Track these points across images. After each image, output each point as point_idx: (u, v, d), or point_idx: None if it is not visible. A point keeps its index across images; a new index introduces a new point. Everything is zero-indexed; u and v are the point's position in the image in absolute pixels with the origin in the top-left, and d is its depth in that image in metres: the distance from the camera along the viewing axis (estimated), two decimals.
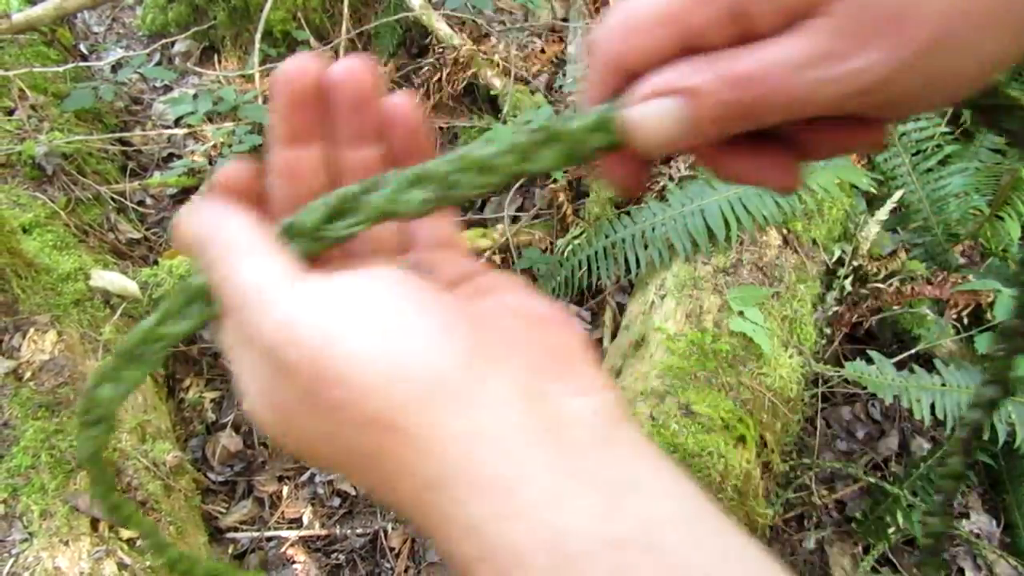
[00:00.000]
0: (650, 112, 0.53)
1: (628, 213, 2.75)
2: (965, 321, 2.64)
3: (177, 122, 3.54)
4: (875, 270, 2.72)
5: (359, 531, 2.64)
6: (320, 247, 0.60)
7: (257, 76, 3.58)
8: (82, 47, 4.05)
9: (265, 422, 0.54)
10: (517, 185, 3.25)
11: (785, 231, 2.61)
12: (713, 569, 0.45)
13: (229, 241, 0.55)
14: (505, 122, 3.34)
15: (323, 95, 0.63)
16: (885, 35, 0.47)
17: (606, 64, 0.56)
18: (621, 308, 2.98)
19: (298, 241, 0.59)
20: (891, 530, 2.54)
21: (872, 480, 2.58)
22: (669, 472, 0.50)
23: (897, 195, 2.72)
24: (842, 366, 2.47)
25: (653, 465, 0.50)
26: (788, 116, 0.52)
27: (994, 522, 2.67)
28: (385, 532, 2.63)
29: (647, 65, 0.54)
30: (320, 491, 2.75)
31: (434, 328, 0.50)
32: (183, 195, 3.43)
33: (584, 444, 0.49)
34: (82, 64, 3.77)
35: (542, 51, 3.98)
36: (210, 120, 3.41)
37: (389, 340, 0.49)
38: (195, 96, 3.40)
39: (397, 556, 2.60)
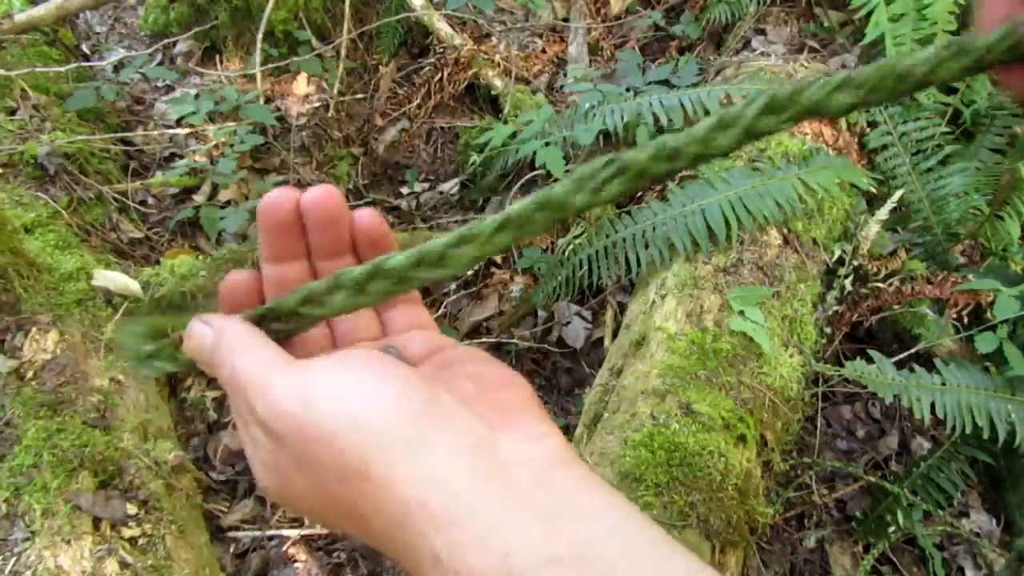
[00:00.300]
0: None
1: (629, 213, 2.76)
2: (965, 320, 2.64)
3: (179, 122, 3.54)
4: (875, 270, 2.72)
5: None
6: (292, 328, 0.74)
7: (259, 76, 3.59)
8: (84, 47, 4.06)
9: (268, 486, 0.67)
10: (519, 185, 3.25)
11: (785, 231, 2.61)
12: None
13: (232, 343, 0.69)
14: (506, 122, 3.34)
15: (300, 220, 0.76)
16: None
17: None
18: (622, 307, 2.99)
19: (274, 324, 0.74)
20: (891, 529, 2.54)
21: (872, 479, 2.58)
22: (609, 499, 0.59)
23: (897, 195, 2.73)
24: (842, 365, 2.47)
25: (593, 495, 0.59)
26: None
27: (994, 521, 2.67)
28: None
29: None
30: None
31: (389, 391, 0.61)
32: (185, 194, 3.44)
33: (527, 482, 0.58)
34: (84, 64, 3.77)
35: (543, 51, 3.99)
36: (212, 120, 3.42)
37: (351, 402, 0.60)
38: (197, 96, 3.41)
39: None
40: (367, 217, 0.78)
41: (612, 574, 0.53)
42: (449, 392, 0.65)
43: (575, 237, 2.93)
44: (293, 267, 0.78)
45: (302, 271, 0.78)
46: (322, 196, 0.74)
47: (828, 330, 2.64)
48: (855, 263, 2.68)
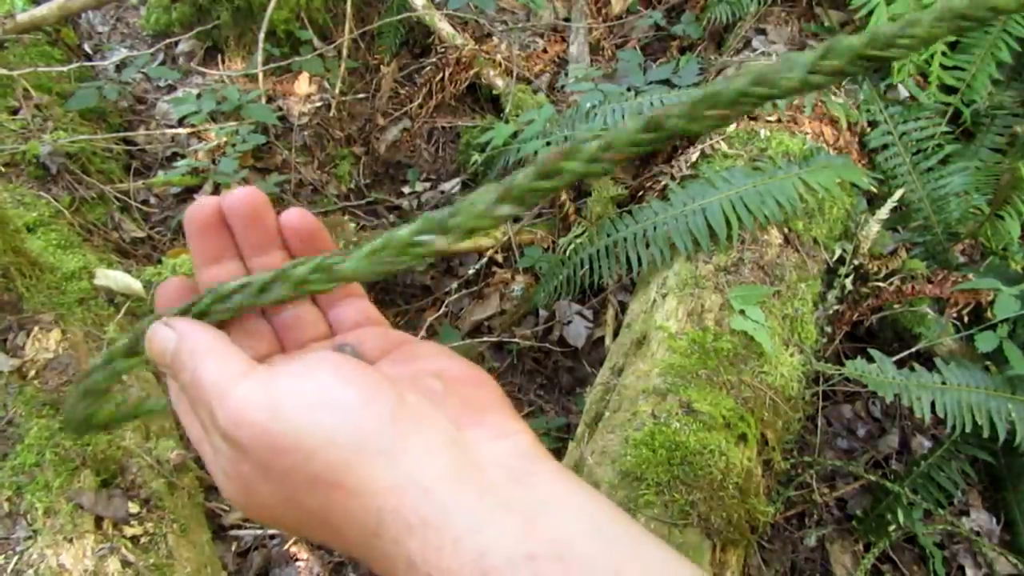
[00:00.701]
0: None
1: (630, 212, 2.76)
2: (965, 320, 2.64)
3: (181, 121, 3.55)
4: (876, 269, 2.72)
5: None
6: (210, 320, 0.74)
7: (260, 76, 3.59)
8: (86, 47, 4.06)
9: (232, 496, 0.66)
10: None
11: (786, 230, 2.62)
12: (621, 567, 0.54)
13: (194, 347, 0.68)
14: (507, 121, 3.35)
15: (223, 221, 0.76)
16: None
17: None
18: (623, 306, 2.99)
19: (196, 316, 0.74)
20: (892, 528, 2.55)
21: (873, 478, 2.58)
22: (582, 494, 0.60)
23: (898, 194, 2.73)
24: (843, 364, 2.48)
25: (566, 491, 0.60)
26: None
27: (994, 520, 2.68)
28: None
29: None
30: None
31: (357, 397, 0.60)
32: (187, 194, 3.44)
33: (501, 481, 0.59)
34: (86, 64, 3.78)
35: (544, 51, 3.99)
36: (214, 119, 3.42)
37: (321, 412, 0.59)
38: (199, 96, 3.42)
39: None
40: (294, 216, 0.78)
41: (589, 568, 0.54)
42: (416, 391, 0.65)
43: (576, 236, 2.94)
44: (225, 267, 0.78)
45: (235, 271, 0.78)
46: (242, 194, 0.75)
47: (829, 329, 2.65)
48: (856, 262, 2.69)
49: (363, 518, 0.57)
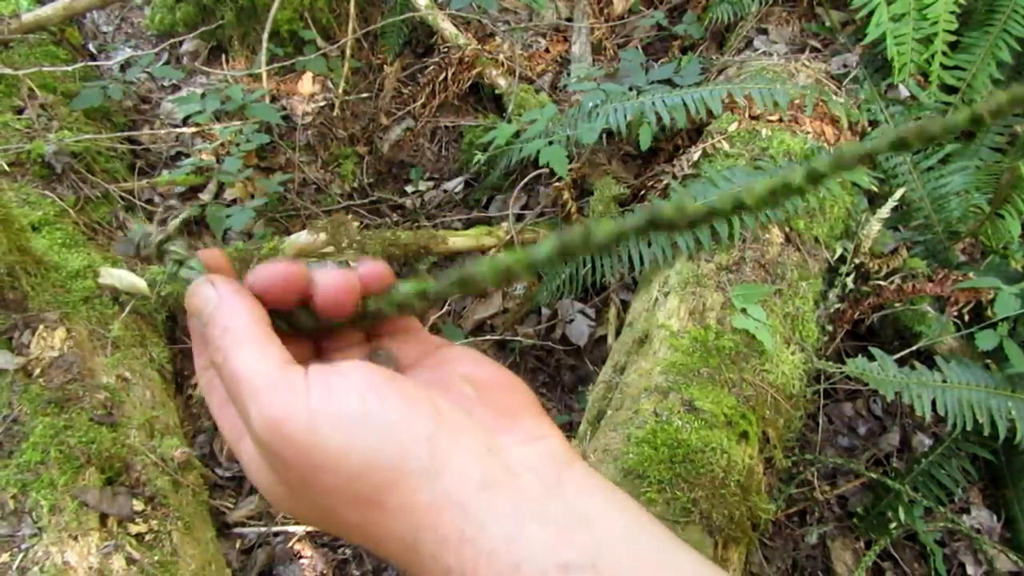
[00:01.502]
0: None
1: (632, 211, 2.77)
2: (966, 318, 2.65)
3: (185, 121, 3.55)
4: (876, 268, 2.73)
5: None
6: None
7: (264, 75, 3.60)
8: (91, 47, 4.07)
9: (271, 496, 0.65)
10: (522, 183, 3.27)
11: (787, 229, 2.63)
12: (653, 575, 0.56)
13: (228, 325, 0.65)
14: (510, 121, 3.35)
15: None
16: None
17: None
18: (625, 305, 3.00)
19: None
20: (892, 525, 2.55)
21: (874, 476, 2.59)
22: (615, 501, 0.62)
23: (898, 193, 2.74)
24: (844, 363, 2.48)
25: (600, 497, 0.61)
26: None
27: (995, 517, 2.68)
28: None
29: None
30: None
31: (396, 414, 0.60)
32: (191, 193, 3.45)
33: (535, 489, 0.60)
34: (91, 63, 3.78)
35: (546, 51, 4.00)
36: (218, 119, 3.43)
37: (361, 431, 0.59)
38: (203, 95, 3.42)
39: None
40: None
41: None
42: (449, 399, 0.65)
43: None
44: None
45: None
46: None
47: (830, 327, 2.65)
48: (856, 261, 2.69)
49: (401, 534, 0.59)
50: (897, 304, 2.69)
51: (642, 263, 2.67)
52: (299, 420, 0.59)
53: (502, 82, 3.69)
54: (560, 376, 3.11)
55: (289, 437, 0.59)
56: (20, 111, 3.19)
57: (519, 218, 3.29)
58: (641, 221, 0.63)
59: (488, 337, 3.12)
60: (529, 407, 0.70)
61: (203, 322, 0.67)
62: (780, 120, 2.87)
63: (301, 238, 2.88)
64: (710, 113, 2.88)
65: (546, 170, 3.06)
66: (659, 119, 2.90)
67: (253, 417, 0.61)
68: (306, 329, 0.74)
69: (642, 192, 3.07)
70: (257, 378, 0.61)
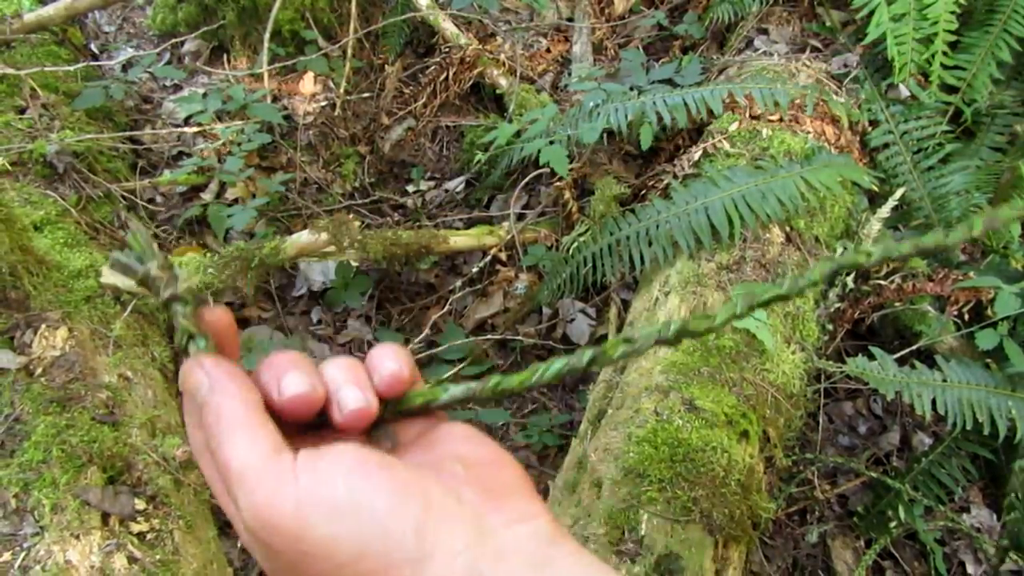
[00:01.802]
0: None
1: (633, 211, 2.77)
2: (966, 317, 2.65)
3: (187, 121, 3.56)
4: (877, 267, 2.73)
5: None
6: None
7: (266, 75, 3.61)
8: (93, 46, 4.08)
9: (265, 568, 0.66)
10: (523, 183, 3.27)
11: (788, 228, 2.63)
12: None
13: (220, 412, 0.66)
14: (511, 121, 3.36)
15: None
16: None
17: None
18: (625, 304, 3.00)
19: None
20: (893, 524, 2.56)
21: (874, 475, 2.59)
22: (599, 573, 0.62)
23: (899, 193, 2.74)
24: (844, 362, 2.49)
25: (584, 571, 0.62)
26: None
27: (994, 516, 2.69)
28: None
29: None
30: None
31: (385, 504, 0.60)
32: (192, 192, 3.46)
33: (522, 572, 0.60)
34: (93, 63, 3.79)
35: (547, 50, 4.00)
36: (219, 119, 3.43)
37: (350, 522, 0.59)
38: (204, 95, 3.43)
39: None
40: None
41: None
42: (440, 480, 0.66)
43: (579, 235, 2.95)
44: None
45: None
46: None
47: (830, 327, 2.66)
48: None
49: None
50: (897, 303, 2.69)
51: (643, 262, 2.67)
52: (286, 509, 0.60)
53: (503, 82, 3.70)
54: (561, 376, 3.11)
55: (276, 526, 0.60)
56: (22, 111, 3.19)
57: (520, 217, 3.29)
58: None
59: (489, 336, 3.12)
60: (518, 485, 0.70)
61: (197, 404, 0.68)
62: (781, 120, 2.88)
63: (303, 237, 2.88)
64: (711, 113, 2.89)
65: (547, 170, 3.07)
66: (660, 119, 2.90)
67: (242, 506, 0.61)
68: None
69: (643, 192, 3.07)
70: (246, 467, 0.62)
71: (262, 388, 0.69)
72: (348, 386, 0.70)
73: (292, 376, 0.68)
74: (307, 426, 0.73)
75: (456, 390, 0.74)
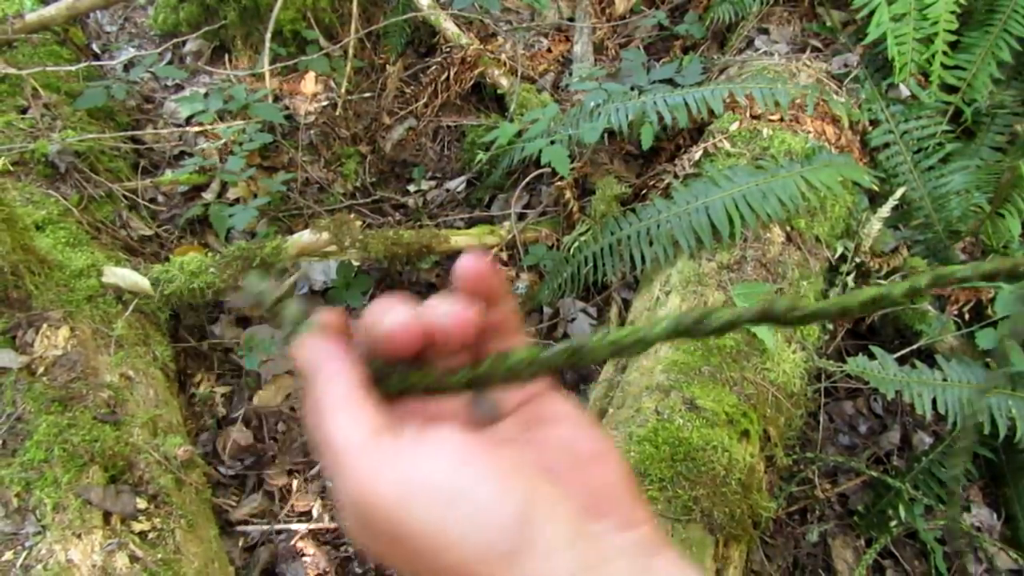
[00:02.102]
0: None
1: (633, 210, 2.78)
2: (966, 317, 2.66)
3: (188, 120, 3.56)
4: (877, 266, 2.74)
5: None
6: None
7: (267, 75, 3.61)
8: (94, 46, 4.08)
9: (361, 546, 0.65)
10: (524, 183, 3.27)
11: (788, 228, 2.63)
12: None
13: (324, 391, 0.66)
14: (512, 120, 3.36)
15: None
16: None
17: None
18: (626, 304, 3.00)
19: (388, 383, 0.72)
20: (893, 524, 2.56)
21: (874, 474, 2.60)
22: None
23: (899, 192, 2.74)
24: (844, 361, 2.49)
25: None
26: None
27: (995, 515, 2.69)
28: None
29: None
30: (329, 484, 2.77)
31: (488, 494, 0.59)
32: (194, 192, 3.46)
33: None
34: (94, 63, 3.79)
35: (548, 50, 4.01)
36: (221, 118, 3.44)
37: (452, 511, 0.58)
38: (206, 95, 3.43)
39: None
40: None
41: None
42: (544, 470, 0.64)
43: (580, 235, 2.95)
44: None
45: None
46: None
47: (830, 326, 2.66)
48: (857, 260, 2.70)
49: None
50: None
51: (644, 262, 2.68)
52: (387, 490, 0.59)
53: (504, 82, 3.70)
54: (562, 374, 3.11)
55: (376, 506, 0.59)
56: (24, 111, 3.20)
57: (521, 217, 3.29)
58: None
59: None
60: (624, 486, 0.69)
61: (305, 380, 0.68)
62: (781, 120, 2.88)
63: (304, 237, 2.88)
64: (711, 112, 2.89)
65: (548, 169, 3.07)
66: (660, 118, 2.91)
67: (343, 483, 0.61)
68: (411, 392, 0.73)
69: (644, 191, 3.07)
70: (348, 446, 0.62)
71: (366, 335, 0.70)
72: (443, 303, 0.69)
73: (390, 313, 0.68)
74: (412, 401, 0.73)
75: (562, 347, 0.71)
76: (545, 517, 0.59)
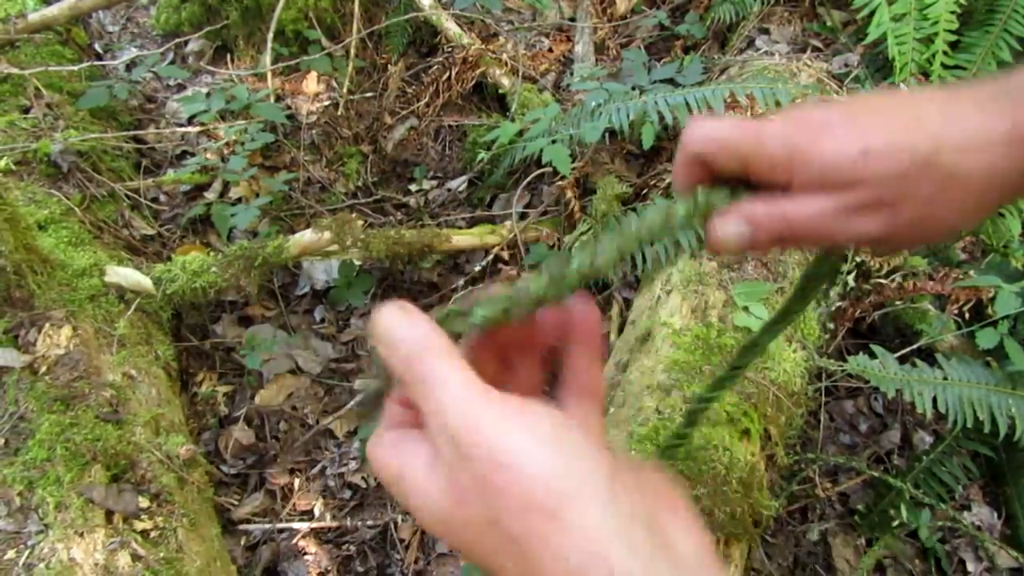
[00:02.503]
0: (729, 228, 0.79)
1: (635, 210, 2.78)
2: (966, 316, 2.66)
3: (190, 120, 3.57)
4: (878, 266, 2.74)
5: (369, 523, 2.68)
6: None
7: (269, 75, 3.62)
8: (97, 46, 4.09)
9: (435, 509, 0.63)
10: (526, 182, 3.28)
11: None
12: None
13: (425, 343, 0.65)
14: (513, 120, 3.36)
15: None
16: (889, 211, 0.74)
17: (692, 157, 0.80)
18: (628, 303, 3.01)
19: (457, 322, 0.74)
20: (894, 523, 2.57)
21: (875, 473, 2.60)
22: None
23: None
24: (845, 360, 2.49)
25: None
26: (814, 244, 0.83)
27: (995, 514, 2.69)
28: (395, 524, 2.66)
29: (717, 166, 0.79)
30: (331, 483, 2.78)
31: (584, 452, 0.60)
32: (196, 192, 3.47)
33: (690, 562, 0.61)
34: (97, 63, 3.80)
35: (549, 50, 4.01)
36: (223, 118, 3.44)
37: (551, 449, 0.59)
38: (208, 95, 3.44)
39: (407, 547, 2.63)
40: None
41: None
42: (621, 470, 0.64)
43: (582, 234, 2.96)
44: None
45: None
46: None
47: (831, 325, 2.66)
48: (857, 259, 2.70)
49: (567, 556, 0.57)
50: (898, 302, 2.70)
51: (645, 261, 2.68)
52: (491, 419, 0.59)
53: (505, 81, 3.71)
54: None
55: (479, 429, 0.59)
56: (26, 110, 3.21)
57: (522, 216, 3.30)
58: None
59: None
60: (685, 499, 0.69)
61: (397, 359, 0.67)
62: None
63: (306, 236, 2.89)
64: (712, 112, 2.89)
65: (549, 169, 3.08)
66: (661, 118, 2.91)
67: (447, 405, 0.61)
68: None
69: (644, 191, 3.08)
70: (456, 382, 0.62)
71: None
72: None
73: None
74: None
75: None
76: (627, 491, 0.60)
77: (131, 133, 3.55)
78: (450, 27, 3.79)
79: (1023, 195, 0.77)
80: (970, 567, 2.62)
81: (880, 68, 3.10)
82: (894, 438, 2.84)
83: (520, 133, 3.19)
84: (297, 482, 2.78)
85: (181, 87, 3.98)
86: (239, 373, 2.98)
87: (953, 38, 2.98)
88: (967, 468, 2.58)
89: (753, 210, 0.78)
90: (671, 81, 3.26)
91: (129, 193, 3.20)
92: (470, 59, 3.75)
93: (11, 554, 1.85)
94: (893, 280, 2.70)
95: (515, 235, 3.17)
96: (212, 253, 2.85)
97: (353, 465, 2.83)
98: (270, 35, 3.61)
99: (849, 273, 2.67)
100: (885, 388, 2.40)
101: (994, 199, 0.76)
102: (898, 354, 2.54)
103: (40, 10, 3.55)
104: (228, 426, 2.85)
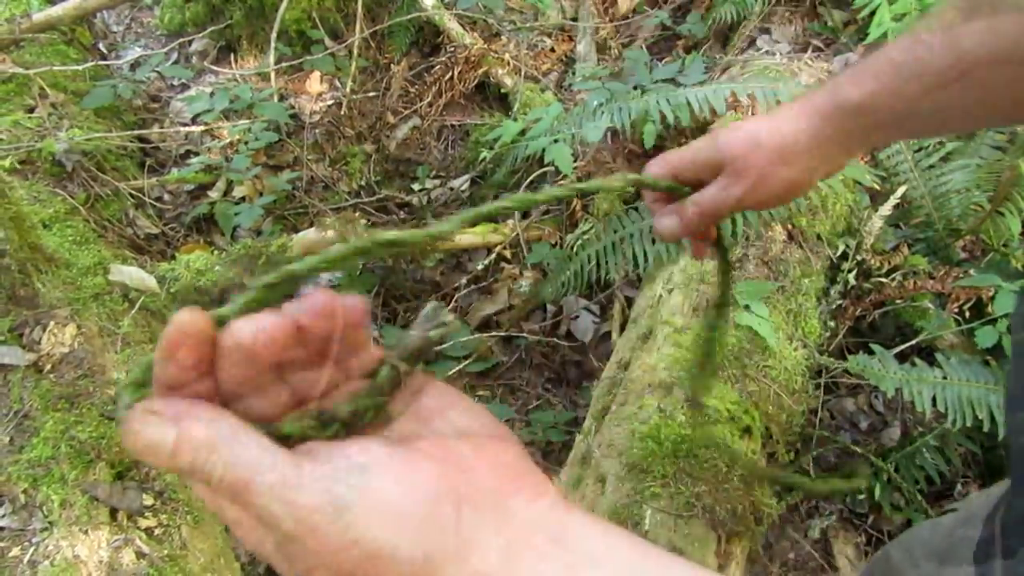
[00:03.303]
0: (664, 222, 1.30)
1: (636, 209, 2.79)
2: (966, 315, 2.66)
3: (194, 120, 3.58)
4: (878, 264, 2.74)
5: None
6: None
7: (273, 74, 3.63)
8: (101, 46, 4.10)
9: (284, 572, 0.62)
10: (528, 181, 3.29)
11: (790, 226, 2.64)
12: None
13: (208, 438, 0.58)
14: (515, 119, 3.37)
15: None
16: (738, 179, 1.18)
17: (655, 175, 1.29)
18: (629, 302, 3.02)
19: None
20: (895, 519, 2.57)
21: (874, 471, 2.60)
22: (614, 537, 0.65)
23: (900, 191, 2.75)
24: (845, 359, 2.50)
25: (600, 536, 0.64)
26: (720, 218, 1.25)
27: None
28: None
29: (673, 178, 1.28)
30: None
31: (422, 509, 0.59)
32: (200, 191, 3.47)
33: (546, 547, 0.62)
34: (101, 63, 3.80)
35: (552, 50, 4.02)
36: (226, 118, 3.45)
37: (390, 530, 0.57)
38: (212, 94, 3.45)
39: None
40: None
41: None
42: (457, 468, 0.64)
43: (583, 233, 2.97)
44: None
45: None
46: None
47: (832, 324, 2.67)
48: (858, 258, 2.71)
49: None
50: (898, 301, 2.70)
51: (646, 260, 2.69)
52: (327, 515, 0.56)
53: (508, 81, 3.72)
54: (565, 372, 3.13)
55: (318, 526, 0.56)
56: (31, 110, 3.21)
57: (525, 216, 3.31)
58: None
59: (494, 333, 3.14)
60: (523, 460, 0.70)
61: (168, 460, 0.59)
62: None
63: (309, 235, 2.90)
64: (714, 112, 2.90)
65: (551, 168, 3.08)
66: (663, 118, 2.91)
67: (285, 523, 0.57)
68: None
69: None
70: (277, 484, 0.57)
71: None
72: (305, 299, 0.65)
73: (240, 323, 0.65)
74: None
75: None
76: (475, 516, 0.61)
77: (135, 132, 3.56)
78: (453, 27, 3.80)
79: (846, 157, 1.21)
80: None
81: None
82: (894, 436, 2.84)
83: (522, 132, 3.20)
84: None
85: (185, 87, 3.99)
86: None
87: None
88: (967, 467, 2.59)
89: (678, 206, 1.26)
90: (673, 81, 3.27)
91: (133, 192, 3.21)
92: (472, 59, 3.76)
93: (16, 551, 1.86)
94: (894, 279, 2.70)
95: (517, 234, 3.18)
96: (216, 252, 2.86)
97: None
98: (274, 35, 3.62)
99: (850, 272, 2.68)
100: (885, 386, 2.41)
101: (817, 165, 1.18)
102: (897, 352, 2.55)
103: (45, 10, 3.55)
104: None
